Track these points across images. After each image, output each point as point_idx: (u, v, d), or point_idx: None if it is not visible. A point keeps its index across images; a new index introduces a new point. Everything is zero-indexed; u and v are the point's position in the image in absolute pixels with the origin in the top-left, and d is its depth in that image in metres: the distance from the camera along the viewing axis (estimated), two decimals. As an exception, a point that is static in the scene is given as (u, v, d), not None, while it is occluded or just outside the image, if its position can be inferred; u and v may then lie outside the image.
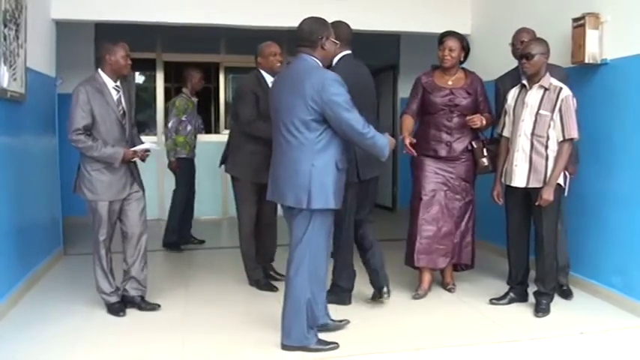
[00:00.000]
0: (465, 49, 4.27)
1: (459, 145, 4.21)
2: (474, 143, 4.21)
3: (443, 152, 4.21)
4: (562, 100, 3.66)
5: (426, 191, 4.23)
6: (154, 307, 4.02)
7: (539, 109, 3.72)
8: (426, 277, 4.29)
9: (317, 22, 3.27)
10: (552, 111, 3.68)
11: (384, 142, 3.22)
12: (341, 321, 3.62)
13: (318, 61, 3.22)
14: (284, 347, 3.29)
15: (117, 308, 3.87)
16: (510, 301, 4.06)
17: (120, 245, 3.99)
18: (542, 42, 3.78)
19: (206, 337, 3.56)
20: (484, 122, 4.17)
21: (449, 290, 4.38)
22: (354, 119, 3.09)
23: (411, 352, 3.38)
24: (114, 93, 3.84)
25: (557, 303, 3.98)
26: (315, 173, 3.11)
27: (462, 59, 4.29)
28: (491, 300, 4.11)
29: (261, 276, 4.54)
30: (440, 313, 3.99)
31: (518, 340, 3.53)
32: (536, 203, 3.73)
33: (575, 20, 4.23)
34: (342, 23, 3.95)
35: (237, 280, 4.66)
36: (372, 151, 3.23)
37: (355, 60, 3.96)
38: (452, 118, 4.21)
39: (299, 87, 3.11)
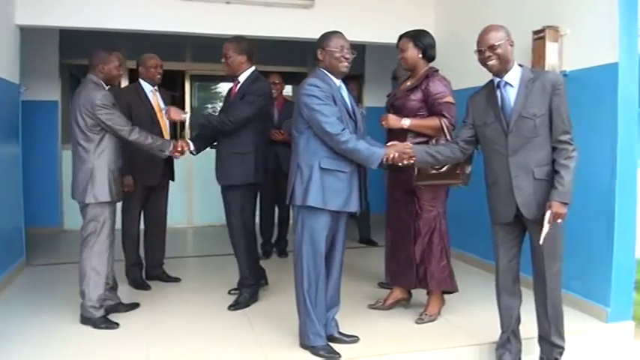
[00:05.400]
0: (419, 46, 3.97)
1: None
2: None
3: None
4: None
5: (389, 207, 4.14)
6: (136, 305, 4.23)
7: None
8: (393, 293, 4.21)
9: (319, 37, 3.44)
10: None
11: (368, 152, 3.26)
12: (350, 336, 3.60)
13: (324, 70, 3.39)
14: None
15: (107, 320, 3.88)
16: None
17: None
18: None
19: (171, 344, 3.57)
20: (402, 123, 3.81)
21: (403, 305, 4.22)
22: (324, 122, 3.21)
23: (375, 358, 3.44)
24: None
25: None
26: (298, 172, 3.32)
27: (420, 56, 3.97)
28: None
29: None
30: (404, 319, 4.03)
31: (481, 343, 3.61)
32: None
33: (535, 33, 4.37)
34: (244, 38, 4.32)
35: (200, 288, 4.70)
36: (354, 157, 3.29)
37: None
38: None
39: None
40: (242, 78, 4.24)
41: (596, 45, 4.05)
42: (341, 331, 3.60)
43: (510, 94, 3.15)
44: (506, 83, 3.17)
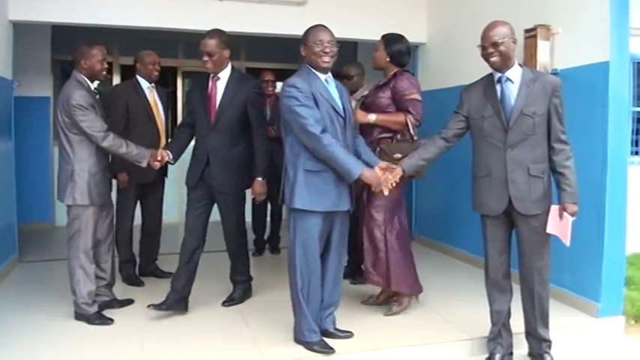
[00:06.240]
0: (388, 51, 4.11)
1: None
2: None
3: None
4: None
5: (360, 206, 4.11)
6: (130, 301, 4.22)
7: None
8: (386, 289, 4.21)
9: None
10: None
11: (348, 165, 3.21)
12: (344, 332, 3.62)
13: (309, 67, 3.37)
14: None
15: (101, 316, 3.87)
16: None
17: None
18: None
19: (166, 341, 3.58)
20: (369, 118, 3.98)
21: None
22: (304, 123, 3.19)
23: (368, 352, 3.47)
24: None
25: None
26: (285, 174, 3.34)
27: (388, 60, 4.11)
28: None
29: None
30: (396, 314, 4.07)
31: (473, 338, 3.66)
32: None
33: (527, 31, 4.40)
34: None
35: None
36: (331, 164, 3.24)
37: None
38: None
39: None
40: (224, 75, 3.99)
41: (587, 44, 4.10)
42: (337, 326, 3.62)
43: (511, 90, 3.19)
44: (507, 79, 3.20)
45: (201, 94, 4.03)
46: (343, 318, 3.73)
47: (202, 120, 4.00)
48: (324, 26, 3.38)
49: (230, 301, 4.24)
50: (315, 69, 3.34)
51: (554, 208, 3.16)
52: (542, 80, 3.18)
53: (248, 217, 6.03)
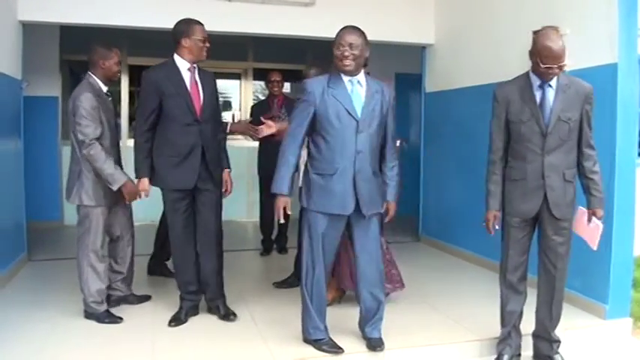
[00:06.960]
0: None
1: None
2: None
3: None
4: None
5: None
6: (147, 297, 4.28)
7: None
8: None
9: None
10: None
11: (281, 176, 3.30)
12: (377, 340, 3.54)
13: (337, 70, 3.33)
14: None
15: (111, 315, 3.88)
16: None
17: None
18: None
19: (175, 340, 3.59)
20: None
21: None
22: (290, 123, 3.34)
23: (377, 353, 3.46)
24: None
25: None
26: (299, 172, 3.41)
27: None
28: None
29: None
30: (405, 314, 4.08)
31: (482, 339, 3.66)
32: None
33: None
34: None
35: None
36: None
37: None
38: None
39: None
40: (195, 65, 3.82)
41: (595, 45, 4.10)
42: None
43: (549, 96, 3.19)
44: (549, 85, 3.19)
45: (177, 87, 3.70)
46: (350, 318, 3.74)
47: (183, 113, 3.70)
48: (353, 28, 3.31)
49: (233, 315, 3.96)
50: (339, 71, 3.31)
51: (582, 211, 3.23)
52: (576, 86, 3.21)
53: (255, 217, 6.09)
